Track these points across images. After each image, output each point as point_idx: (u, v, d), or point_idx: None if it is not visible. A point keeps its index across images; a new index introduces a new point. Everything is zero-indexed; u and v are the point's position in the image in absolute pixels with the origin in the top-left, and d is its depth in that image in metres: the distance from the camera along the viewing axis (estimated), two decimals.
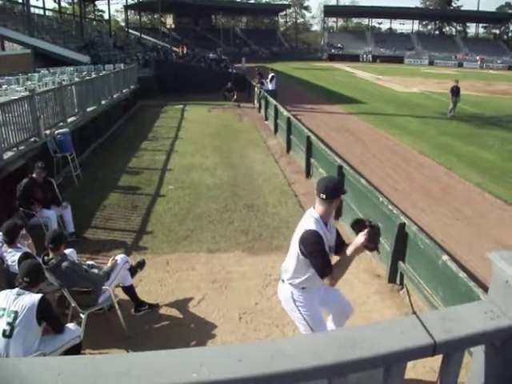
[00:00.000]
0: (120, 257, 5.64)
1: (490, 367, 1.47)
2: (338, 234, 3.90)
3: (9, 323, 3.93)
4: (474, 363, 1.53)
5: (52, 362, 1.28)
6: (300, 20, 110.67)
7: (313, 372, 1.17)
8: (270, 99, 18.61)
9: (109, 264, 5.46)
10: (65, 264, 4.78)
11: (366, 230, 3.47)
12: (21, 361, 1.66)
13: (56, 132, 10.63)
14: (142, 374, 1.09)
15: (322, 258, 3.52)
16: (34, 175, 7.45)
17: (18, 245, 5.26)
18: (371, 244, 3.48)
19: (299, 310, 3.85)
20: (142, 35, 54.60)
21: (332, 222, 3.79)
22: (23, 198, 7.25)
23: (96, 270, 5.36)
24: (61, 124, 11.75)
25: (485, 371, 1.48)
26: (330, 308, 4.17)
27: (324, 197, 3.56)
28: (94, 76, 17.29)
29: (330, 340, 1.30)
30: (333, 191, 3.59)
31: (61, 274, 4.77)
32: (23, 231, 5.46)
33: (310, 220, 3.63)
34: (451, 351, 1.37)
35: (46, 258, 4.86)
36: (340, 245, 3.83)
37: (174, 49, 47.31)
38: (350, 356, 1.21)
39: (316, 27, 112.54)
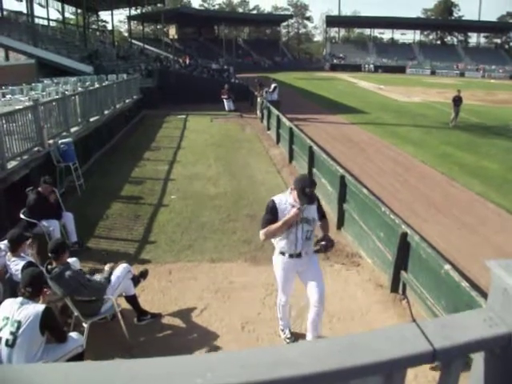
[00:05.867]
0: (123, 266, 5.66)
1: (489, 374, 1.48)
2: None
3: (12, 333, 3.94)
4: (474, 370, 1.55)
5: (59, 367, 1.31)
6: (302, 30, 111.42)
7: (315, 378, 1.19)
8: (273, 109, 18.68)
9: (106, 268, 5.47)
10: (68, 273, 4.80)
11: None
12: (27, 366, 1.68)
13: (59, 142, 10.69)
14: (147, 379, 1.11)
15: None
16: (40, 189, 7.44)
17: (22, 254, 5.29)
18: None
19: (275, 269, 5.00)
20: (145, 45, 54.91)
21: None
22: (32, 214, 7.25)
23: (99, 276, 5.39)
24: (64, 134, 11.81)
25: (484, 378, 1.49)
26: (305, 278, 4.92)
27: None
28: (97, 86, 17.43)
29: (332, 346, 1.32)
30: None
31: (64, 282, 4.79)
32: (28, 241, 5.50)
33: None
34: (451, 358, 1.39)
35: (49, 266, 4.88)
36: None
37: (177, 59, 47.51)
38: (351, 362, 1.23)
39: (318, 37, 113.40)
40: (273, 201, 4.72)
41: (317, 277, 4.86)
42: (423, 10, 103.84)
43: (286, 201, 4.69)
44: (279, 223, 4.60)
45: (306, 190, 4.51)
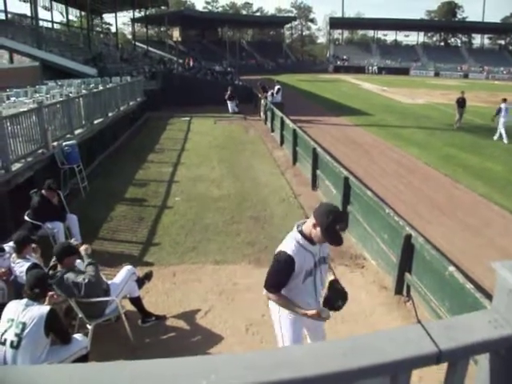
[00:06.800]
0: (127, 268, 5.67)
1: (495, 375, 1.48)
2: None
3: (17, 334, 3.95)
4: (479, 372, 1.54)
5: (63, 369, 1.31)
6: (306, 32, 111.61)
7: (319, 380, 1.19)
8: (276, 111, 18.68)
9: (82, 251, 5.31)
10: (66, 276, 4.81)
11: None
12: (32, 367, 1.69)
13: (63, 144, 10.72)
14: (151, 380, 1.12)
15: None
16: (43, 192, 7.45)
17: (27, 256, 5.30)
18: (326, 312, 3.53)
19: (280, 324, 3.89)
20: (149, 48, 54.99)
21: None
22: (36, 216, 7.27)
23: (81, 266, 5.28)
24: (68, 136, 11.85)
25: (490, 379, 1.49)
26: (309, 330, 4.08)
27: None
28: (101, 88, 17.47)
29: (336, 347, 1.31)
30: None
31: (64, 286, 4.79)
32: (34, 245, 5.51)
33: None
34: (456, 359, 1.38)
35: (50, 272, 4.89)
36: None
37: (181, 61, 47.58)
38: (355, 364, 1.22)
39: (322, 39, 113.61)
40: (289, 256, 3.48)
41: (321, 337, 4.07)
42: (427, 11, 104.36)
43: (300, 247, 3.51)
44: (297, 310, 3.58)
45: (337, 227, 3.34)
